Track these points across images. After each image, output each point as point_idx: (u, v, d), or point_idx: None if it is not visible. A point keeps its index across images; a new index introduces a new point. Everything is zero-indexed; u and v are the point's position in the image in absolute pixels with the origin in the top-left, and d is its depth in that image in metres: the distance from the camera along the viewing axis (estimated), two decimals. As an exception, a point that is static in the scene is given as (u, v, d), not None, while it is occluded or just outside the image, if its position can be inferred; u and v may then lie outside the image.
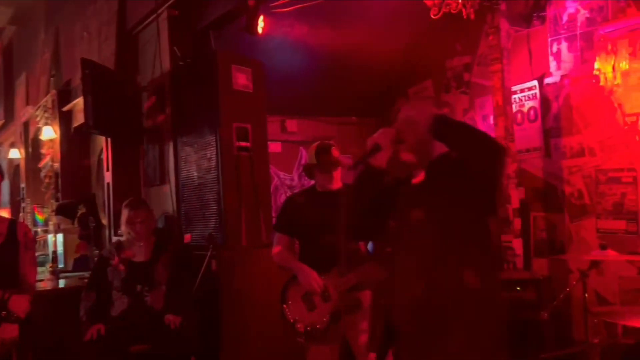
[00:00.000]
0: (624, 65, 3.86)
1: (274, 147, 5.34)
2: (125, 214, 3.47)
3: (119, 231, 3.83)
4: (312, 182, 3.21)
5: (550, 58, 4.36)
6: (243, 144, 3.85)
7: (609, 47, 3.94)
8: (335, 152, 3.06)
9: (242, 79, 3.91)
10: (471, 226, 1.85)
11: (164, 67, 4.22)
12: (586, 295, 2.90)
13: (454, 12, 3.69)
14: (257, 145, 3.93)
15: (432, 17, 3.76)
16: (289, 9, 3.97)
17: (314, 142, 3.17)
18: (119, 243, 3.56)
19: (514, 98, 4.46)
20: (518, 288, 3.65)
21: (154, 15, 4.33)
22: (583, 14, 4.12)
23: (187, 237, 3.91)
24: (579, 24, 4.16)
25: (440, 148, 1.92)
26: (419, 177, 1.98)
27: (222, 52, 3.85)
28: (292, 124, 5.66)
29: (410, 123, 1.93)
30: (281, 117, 5.57)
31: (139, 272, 3.36)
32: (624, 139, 3.87)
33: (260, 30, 3.84)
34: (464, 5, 3.64)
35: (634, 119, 3.81)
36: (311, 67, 4.68)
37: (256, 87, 3.94)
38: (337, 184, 3.08)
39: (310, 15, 4.23)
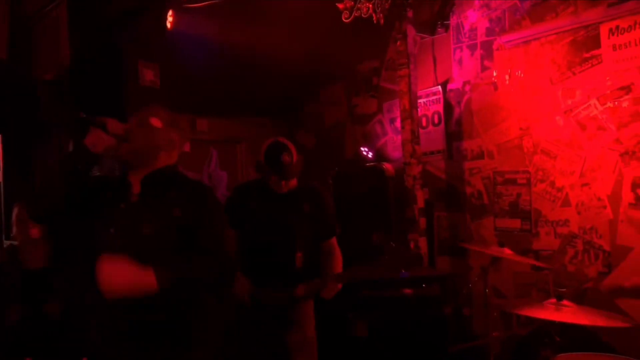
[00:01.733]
0: (519, 73, 4.13)
1: (183, 146, 5.18)
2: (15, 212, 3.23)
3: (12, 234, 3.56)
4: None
5: (453, 65, 4.58)
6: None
7: (507, 56, 4.21)
8: (286, 158, 2.77)
9: (149, 75, 3.77)
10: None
11: (64, 60, 3.97)
12: (486, 290, 3.07)
13: (364, 16, 3.77)
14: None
15: (344, 20, 3.82)
16: (200, 4, 3.88)
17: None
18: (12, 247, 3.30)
19: (420, 102, 4.64)
20: (423, 285, 3.79)
21: (53, 4, 4.06)
22: (483, 24, 4.37)
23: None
24: (479, 33, 4.40)
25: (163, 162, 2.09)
26: (136, 189, 2.06)
27: (128, 46, 3.69)
28: (202, 123, 5.53)
29: (146, 132, 2.06)
30: (191, 116, 5.42)
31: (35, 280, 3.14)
32: (519, 143, 4.14)
33: (169, 25, 3.72)
34: (374, 10, 3.73)
35: (528, 124, 4.08)
36: (223, 66, 4.60)
37: (163, 83, 3.82)
38: (292, 185, 2.89)
39: (223, 13, 4.16)
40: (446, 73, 4.63)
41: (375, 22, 3.85)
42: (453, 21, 4.56)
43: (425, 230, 4.42)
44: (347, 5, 3.72)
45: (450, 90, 4.60)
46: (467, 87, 4.48)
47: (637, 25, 3.50)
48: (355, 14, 3.78)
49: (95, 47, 3.89)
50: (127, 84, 3.60)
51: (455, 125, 4.57)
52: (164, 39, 3.92)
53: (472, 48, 4.45)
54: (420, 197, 4.39)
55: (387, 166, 4.72)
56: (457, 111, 4.56)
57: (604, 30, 3.66)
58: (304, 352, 2.90)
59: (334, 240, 3.10)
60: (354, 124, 5.38)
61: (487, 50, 4.34)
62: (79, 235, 2.06)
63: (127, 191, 2.04)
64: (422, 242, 4.36)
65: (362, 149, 5.11)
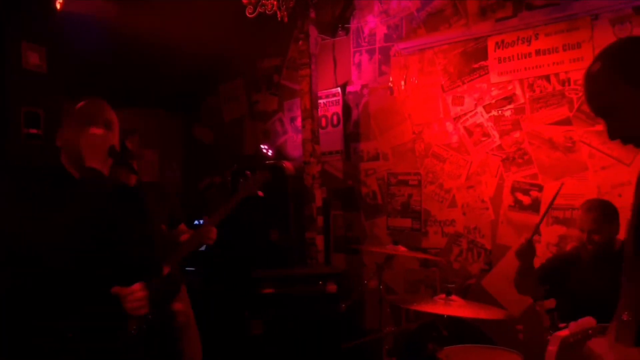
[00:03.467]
0: (414, 80, 4.33)
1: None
2: None
3: None
4: None
5: (353, 68, 4.70)
6: (33, 131, 3.43)
7: (403, 62, 4.39)
8: (129, 144, 2.83)
9: (34, 58, 3.48)
10: None
11: None
12: (381, 287, 3.18)
13: (269, 12, 3.75)
14: (52, 133, 3.53)
15: (248, 15, 3.78)
16: (94, -14, 3.65)
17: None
18: None
19: (320, 103, 4.71)
20: (320, 282, 3.86)
21: None
22: (382, 30, 4.52)
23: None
24: (378, 39, 4.55)
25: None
26: None
27: (9, 25, 3.38)
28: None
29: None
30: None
31: None
32: (412, 146, 4.34)
33: (58, 6, 3.46)
34: (279, 8, 3.72)
35: (420, 128, 4.29)
36: (118, 53, 4.36)
37: (52, 68, 3.55)
38: (133, 179, 2.88)
39: (119, -2, 3.95)
40: (345, 75, 4.74)
41: (279, 19, 3.85)
42: (353, 25, 4.67)
43: (323, 229, 4.49)
44: (252, 0, 3.68)
45: (349, 92, 4.71)
46: (365, 91, 4.62)
47: (520, 41, 3.81)
48: (260, 9, 3.75)
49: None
50: (8, 66, 3.29)
51: (353, 127, 4.69)
52: (53, 20, 3.63)
53: (370, 53, 4.59)
54: (319, 195, 4.46)
55: (286, 164, 4.74)
56: (355, 113, 4.68)
57: (491, 43, 3.94)
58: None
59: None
60: (254, 121, 5.35)
61: (385, 56, 4.50)
62: None
63: None
64: (320, 240, 4.42)
65: (262, 146, 5.08)
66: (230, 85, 5.53)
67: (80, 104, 1.98)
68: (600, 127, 3.50)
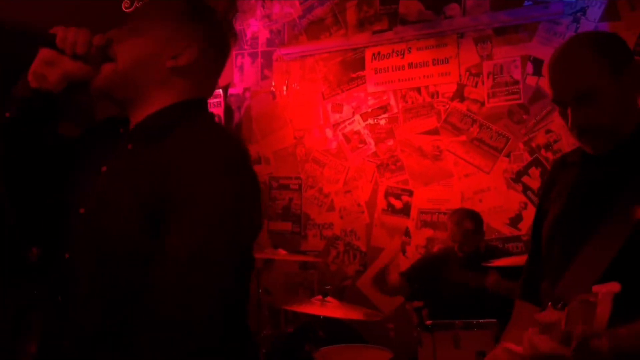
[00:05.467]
0: (295, 85, 4.39)
1: None
2: None
3: None
4: None
5: (235, 70, 4.66)
6: None
7: (285, 68, 4.44)
8: None
9: None
10: None
11: None
12: (260, 290, 3.18)
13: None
14: None
15: (124, 9, 3.61)
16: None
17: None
18: None
19: (201, 104, 4.62)
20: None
21: None
22: (264, 34, 4.54)
23: None
24: (260, 42, 4.56)
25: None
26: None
27: None
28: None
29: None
30: None
31: None
32: (293, 151, 4.40)
33: None
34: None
35: (302, 134, 4.36)
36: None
37: None
38: None
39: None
40: (228, 77, 4.69)
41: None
42: (237, 28, 4.64)
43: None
44: (129, -5, 3.52)
45: (231, 94, 4.67)
46: (248, 94, 4.61)
47: (394, 54, 4.02)
48: (137, 4, 3.60)
49: None
50: None
51: (235, 129, 4.66)
52: None
53: (253, 56, 4.59)
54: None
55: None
56: (237, 116, 4.65)
57: (368, 54, 4.11)
58: None
59: None
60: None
61: (267, 60, 4.52)
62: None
63: (116, 147, 1.16)
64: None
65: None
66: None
67: None
68: (464, 137, 3.80)
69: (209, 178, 1.02)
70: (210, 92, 1.28)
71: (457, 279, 3.19)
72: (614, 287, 0.99)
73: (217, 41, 1.25)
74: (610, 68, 1.28)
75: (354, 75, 4.17)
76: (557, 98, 1.34)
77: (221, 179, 1.04)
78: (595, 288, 1.01)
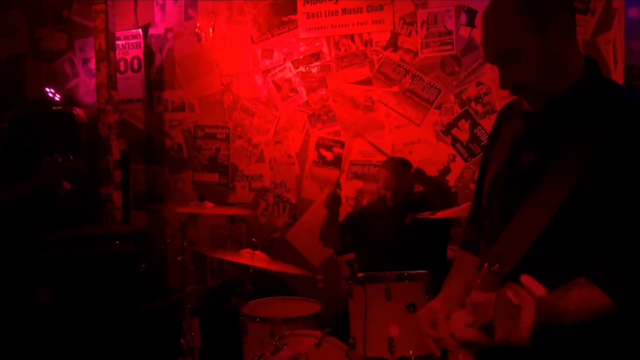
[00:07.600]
0: (222, 27, 4.12)
1: None
2: None
3: None
4: None
5: (156, 9, 4.31)
6: None
7: (211, 8, 4.14)
8: None
9: None
10: None
11: None
12: (185, 244, 3.03)
13: None
14: None
15: None
16: None
17: None
18: None
19: (118, 44, 4.26)
20: (117, 242, 3.56)
21: None
22: (191, -30, 4.20)
23: None
24: (186, -20, 4.22)
25: None
26: None
27: None
28: None
29: None
30: None
31: None
32: (220, 98, 4.17)
33: None
34: None
35: (229, 80, 4.13)
36: None
37: None
38: None
39: None
40: (148, 16, 4.33)
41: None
42: (157, -40, 4.27)
43: (121, 184, 4.15)
44: None
45: (152, 35, 4.33)
46: (170, 35, 4.29)
47: (328, -2, 3.83)
48: None
49: None
50: None
51: (156, 73, 4.35)
52: None
53: (176, -6, 4.25)
54: (116, 147, 4.10)
55: (78, 111, 4.22)
56: (158, 59, 4.33)
57: (300, -4, 3.90)
58: None
59: None
60: (37, 60, 4.64)
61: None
62: None
63: None
64: (117, 196, 4.09)
65: (47, 89, 4.45)
66: (6, 15, 4.70)
67: None
68: (396, 88, 3.73)
69: None
70: None
71: (386, 229, 3.18)
72: (539, 290, 1.05)
73: None
74: (534, 24, 1.24)
75: (285, 19, 3.95)
76: (485, 57, 1.35)
77: None
78: (523, 279, 1.06)
